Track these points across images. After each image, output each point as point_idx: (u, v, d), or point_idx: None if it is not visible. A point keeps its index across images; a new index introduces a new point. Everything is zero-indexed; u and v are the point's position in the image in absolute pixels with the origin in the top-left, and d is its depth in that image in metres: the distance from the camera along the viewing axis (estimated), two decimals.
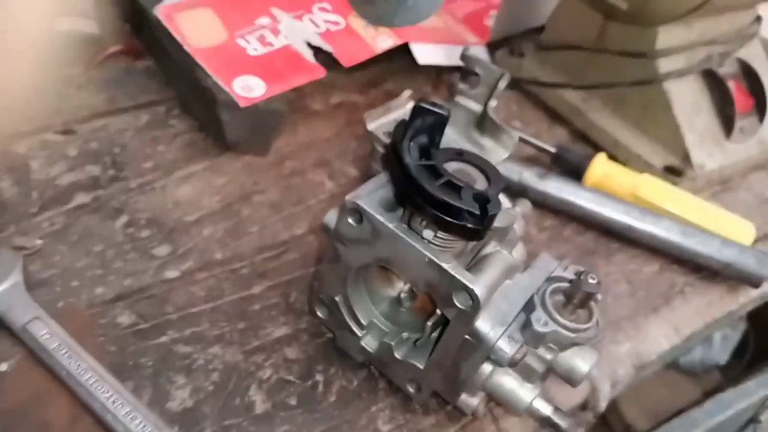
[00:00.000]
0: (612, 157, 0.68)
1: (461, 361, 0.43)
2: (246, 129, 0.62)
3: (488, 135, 0.46)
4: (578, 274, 0.42)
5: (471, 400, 0.45)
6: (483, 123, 0.46)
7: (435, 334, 0.44)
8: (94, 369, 0.45)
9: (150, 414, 0.43)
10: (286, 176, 0.64)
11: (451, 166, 0.41)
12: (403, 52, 0.72)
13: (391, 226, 0.40)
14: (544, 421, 0.44)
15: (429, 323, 0.43)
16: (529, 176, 0.63)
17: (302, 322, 0.52)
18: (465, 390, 0.44)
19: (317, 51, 0.67)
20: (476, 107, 0.47)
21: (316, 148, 0.68)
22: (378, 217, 0.40)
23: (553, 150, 0.67)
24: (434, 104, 0.40)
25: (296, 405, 0.47)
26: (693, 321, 0.59)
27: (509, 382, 0.43)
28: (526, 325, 0.42)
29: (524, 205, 0.45)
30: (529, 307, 0.43)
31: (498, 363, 0.42)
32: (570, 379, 0.43)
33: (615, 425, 0.95)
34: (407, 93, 0.46)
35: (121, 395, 0.44)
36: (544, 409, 0.43)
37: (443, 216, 0.37)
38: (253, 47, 0.64)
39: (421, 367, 0.44)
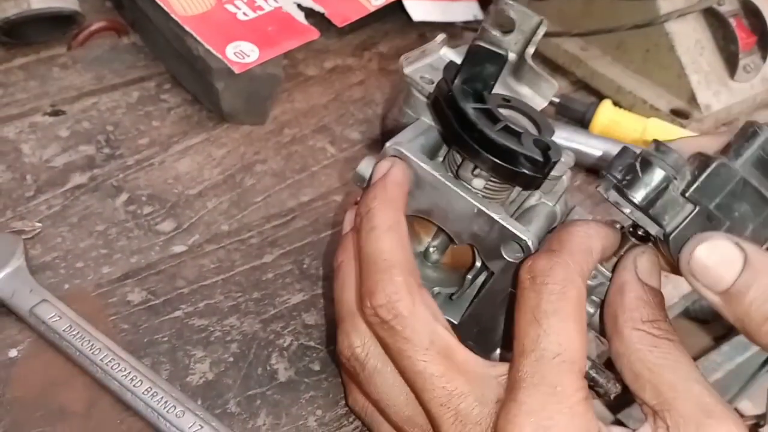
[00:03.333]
0: (616, 103, 0.67)
1: (500, 315, 0.41)
2: (242, 97, 0.60)
3: (525, 83, 0.43)
4: (623, 227, 0.40)
5: (506, 356, 0.44)
6: (519, 71, 0.43)
7: (472, 289, 0.43)
8: (109, 348, 0.43)
9: (171, 389, 0.42)
10: (286, 144, 0.62)
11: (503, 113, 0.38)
12: (396, 10, 0.70)
13: (437, 174, 0.38)
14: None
15: (469, 276, 0.42)
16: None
17: (318, 287, 0.50)
18: (501, 345, 0.43)
19: (308, 13, 0.65)
20: (511, 56, 0.43)
21: (315, 114, 0.66)
22: (423, 165, 0.38)
23: (556, 100, 0.66)
24: (492, 43, 0.38)
25: (320, 370, 0.46)
26: None
27: None
28: None
29: (569, 156, 0.43)
30: None
31: None
32: None
33: None
34: (441, 36, 0.43)
35: (140, 372, 0.42)
36: None
37: (503, 163, 0.35)
38: (243, 12, 0.62)
39: (456, 322, 0.43)
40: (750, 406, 0.93)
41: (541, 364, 0.32)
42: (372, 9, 0.67)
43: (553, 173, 0.38)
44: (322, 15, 0.65)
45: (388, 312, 0.34)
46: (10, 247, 0.47)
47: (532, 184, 0.36)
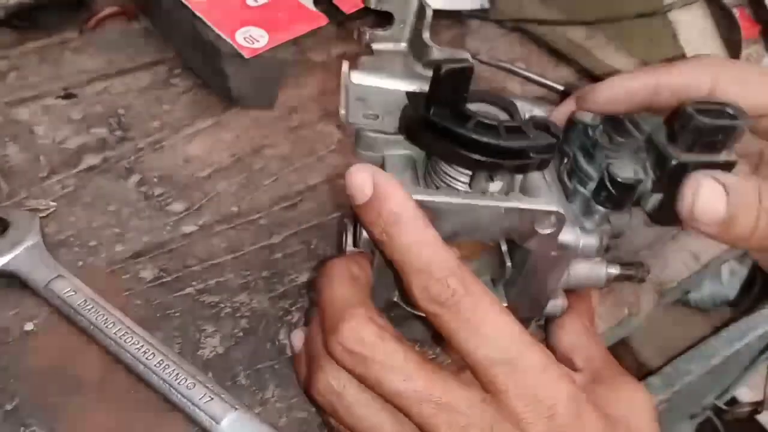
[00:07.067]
0: None
1: (548, 277, 0.42)
2: (251, 82, 0.62)
3: None
4: None
5: (557, 302, 0.45)
6: (426, 56, 0.41)
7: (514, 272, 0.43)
8: (122, 322, 0.44)
9: (183, 362, 0.43)
10: (294, 129, 0.64)
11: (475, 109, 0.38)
12: None
13: (459, 200, 0.38)
14: (618, 278, 0.45)
15: (508, 264, 0.42)
16: (540, 113, 0.62)
17: None
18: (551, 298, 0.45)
19: (317, 0, 0.66)
20: (401, 47, 0.42)
21: (322, 99, 0.67)
22: (437, 199, 0.37)
23: (561, 88, 0.67)
24: (455, 61, 0.36)
25: None
26: (711, 247, 0.60)
27: (583, 267, 0.44)
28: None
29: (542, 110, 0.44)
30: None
31: (589, 256, 0.42)
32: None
33: (629, 363, 0.96)
34: (345, 65, 0.39)
35: (152, 346, 0.44)
36: (616, 270, 0.45)
37: (523, 161, 0.36)
38: None
39: (505, 304, 0.43)
40: (748, 393, 0.94)
41: (513, 370, 0.33)
42: None
43: None
44: (330, 1, 0.66)
45: (356, 343, 0.35)
46: (27, 224, 0.48)
47: (547, 164, 0.38)
